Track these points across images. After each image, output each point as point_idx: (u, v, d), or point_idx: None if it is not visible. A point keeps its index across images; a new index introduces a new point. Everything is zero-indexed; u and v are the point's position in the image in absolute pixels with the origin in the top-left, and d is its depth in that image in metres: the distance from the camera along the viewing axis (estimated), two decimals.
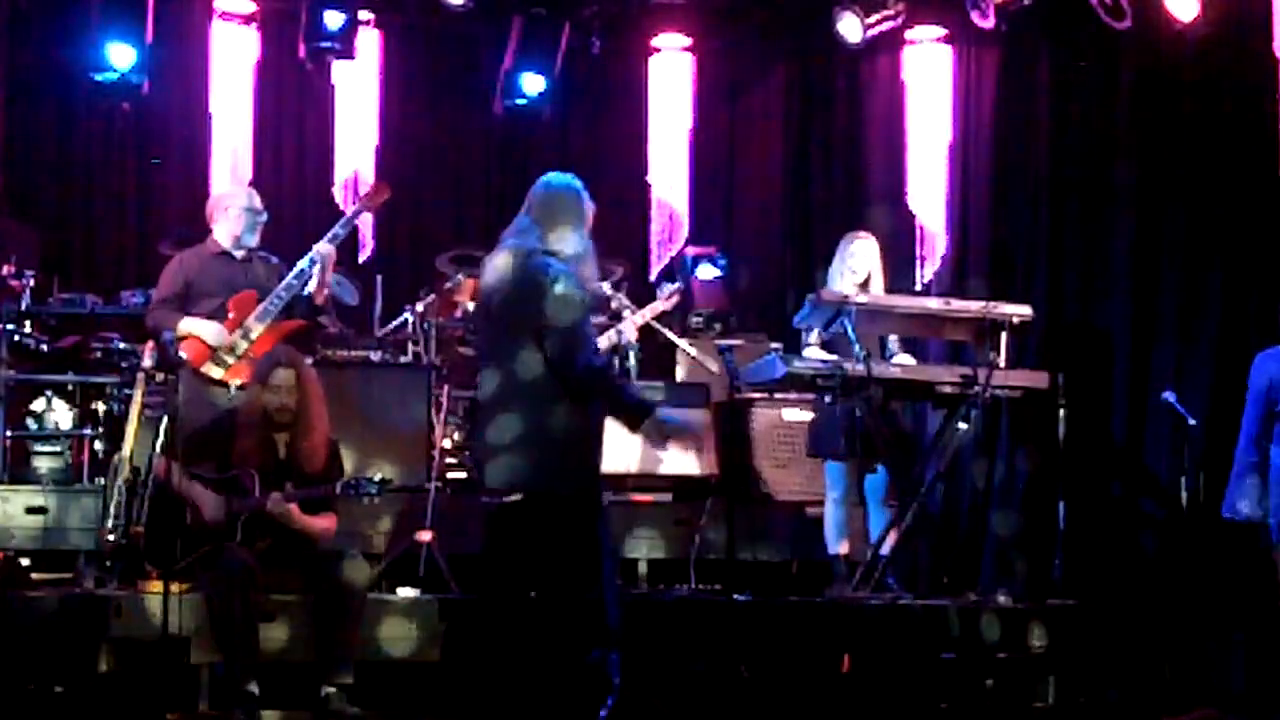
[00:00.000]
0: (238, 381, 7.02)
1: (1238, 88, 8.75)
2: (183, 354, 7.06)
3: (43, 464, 8.28)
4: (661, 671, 6.79)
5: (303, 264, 7.23)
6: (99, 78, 9.08)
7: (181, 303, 7.17)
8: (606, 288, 7.93)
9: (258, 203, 7.39)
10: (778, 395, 8.74)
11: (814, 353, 7.83)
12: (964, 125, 9.81)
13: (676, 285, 8.00)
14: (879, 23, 9.58)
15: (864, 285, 7.94)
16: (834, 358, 7.67)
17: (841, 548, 7.89)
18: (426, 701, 6.62)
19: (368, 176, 9.97)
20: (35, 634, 6.52)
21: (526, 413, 5.59)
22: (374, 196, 7.86)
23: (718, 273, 10.02)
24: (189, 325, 7.08)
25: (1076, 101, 9.42)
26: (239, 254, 7.31)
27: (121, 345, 8.35)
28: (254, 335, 7.13)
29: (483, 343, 6.06)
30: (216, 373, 7.08)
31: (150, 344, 7.50)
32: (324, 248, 7.25)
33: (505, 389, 5.64)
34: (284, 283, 7.21)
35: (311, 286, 7.26)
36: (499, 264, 5.76)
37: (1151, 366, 8.93)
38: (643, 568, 8.44)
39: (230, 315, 7.14)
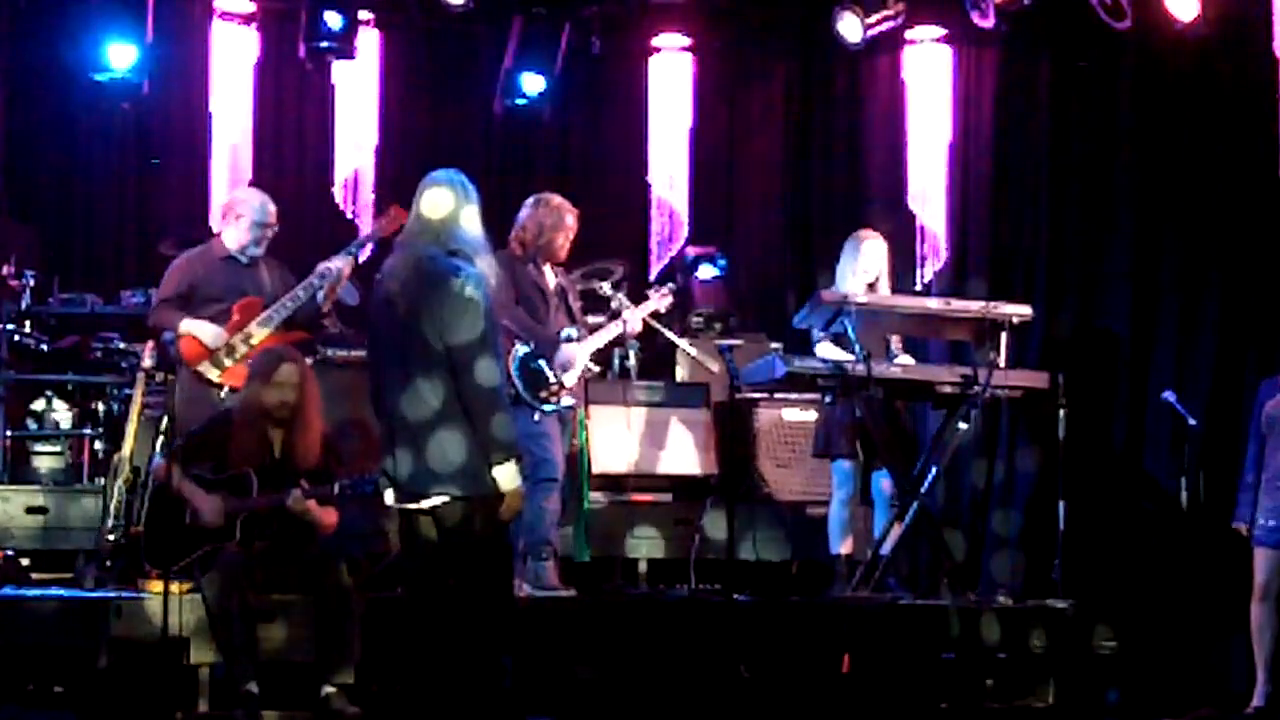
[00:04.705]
0: (234, 384, 7.00)
1: (1238, 88, 8.76)
2: (180, 351, 7.06)
3: (43, 464, 8.28)
4: (661, 671, 6.79)
5: (314, 278, 7.21)
6: (99, 78, 9.05)
7: (184, 303, 7.15)
8: (606, 288, 7.93)
9: (270, 216, 7.32)
10: (778, 395, 8.75)
11: (825, 349, 7.81)
12: (964, 125, 9.80)
13: (670, 285, 7.99)
14: (879, 23, 9.56)
15: (872, 286, 7.93)
16: (847, 355, 7.66)
17: (844, 547, 7.89)
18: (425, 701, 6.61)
19: (368, 176, 9.97)
20: (35, 634, 6.53)
21: (461, 422, 5.42)
22: (388, 225, 7.70)
23: (717, 273, 10.00)
24: (189, 326, 7.07)
25: (1076, 101, 9.42)
26: (245, 259, 7.31)
27: (121, 345, 8.36)
28: (255, 341, 7.11)
29: (386, 350, 5.62)
30: (212, 374, 7.07)
31: (150, 344, 7.51)
32: (339, 264, 7.23)
33: (431, 401, 5.45)
34: (291, 293, 7.19)
35: (321, 297, 7.26)
36: (402, 271, 5.59)
37: (1151, 366, 8.93)
38: (643, 568, 8.44)
39: (234, 318, 7.13)
